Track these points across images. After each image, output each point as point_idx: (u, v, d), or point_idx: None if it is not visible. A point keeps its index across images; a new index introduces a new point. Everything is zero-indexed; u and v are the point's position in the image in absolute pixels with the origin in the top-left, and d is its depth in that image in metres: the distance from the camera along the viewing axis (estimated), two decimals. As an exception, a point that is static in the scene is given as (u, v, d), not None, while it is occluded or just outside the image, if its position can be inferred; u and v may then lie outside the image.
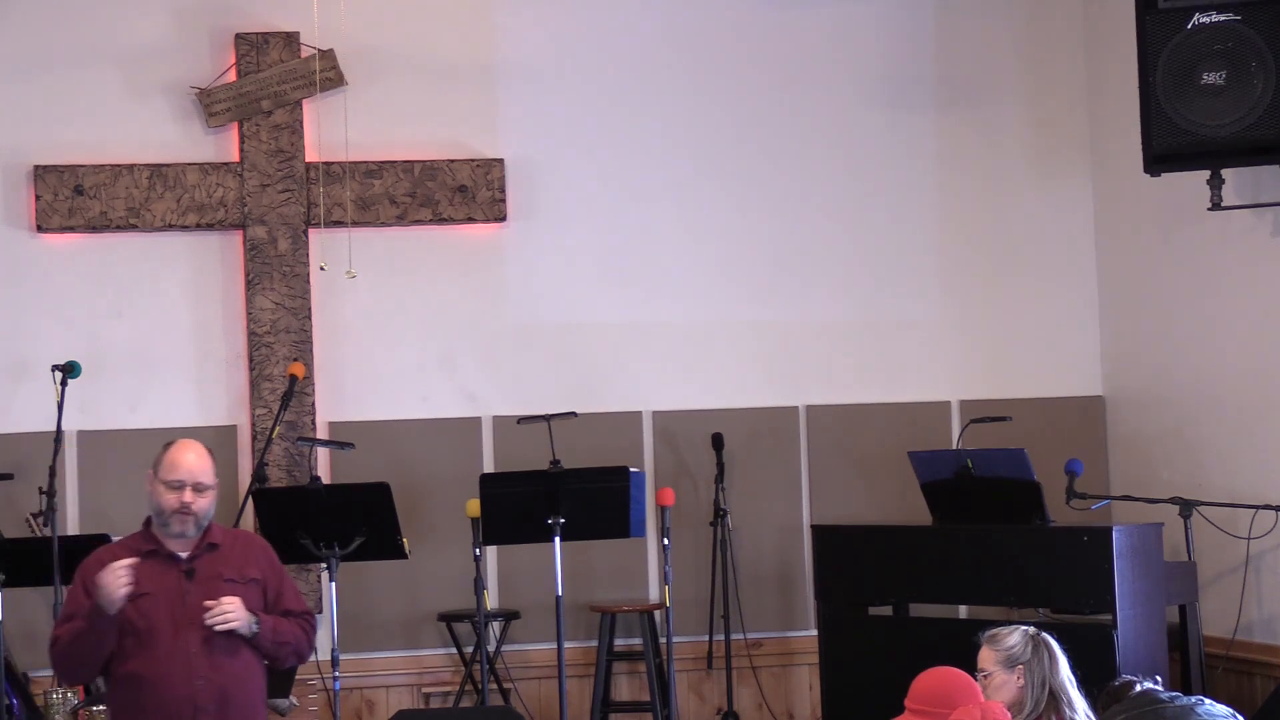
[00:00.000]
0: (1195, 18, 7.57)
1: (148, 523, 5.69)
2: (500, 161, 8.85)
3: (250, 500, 8.02)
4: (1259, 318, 8.06)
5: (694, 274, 9.06)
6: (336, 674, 7.48)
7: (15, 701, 7.60)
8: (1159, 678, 5.53)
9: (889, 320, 9.19)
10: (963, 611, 8.48)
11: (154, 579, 5.53)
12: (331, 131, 8.64)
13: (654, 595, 8.84)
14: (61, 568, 7.33)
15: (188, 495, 5.55)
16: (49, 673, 7.74)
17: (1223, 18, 7.53)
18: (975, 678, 5.12)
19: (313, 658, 5.80)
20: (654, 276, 9.03)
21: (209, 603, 5.51)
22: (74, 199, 8.50)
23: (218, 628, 5.49)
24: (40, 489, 7.80)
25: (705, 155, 9.09)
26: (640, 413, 8.96)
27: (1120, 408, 9.15)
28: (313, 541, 7.47)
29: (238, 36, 8.66)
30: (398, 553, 7.81)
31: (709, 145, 9.09)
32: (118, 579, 5.37)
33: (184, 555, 5.61)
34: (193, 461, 5.58)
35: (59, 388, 7.76)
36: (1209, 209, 7.78)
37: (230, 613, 5.50)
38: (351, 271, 8.28)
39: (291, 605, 5.74)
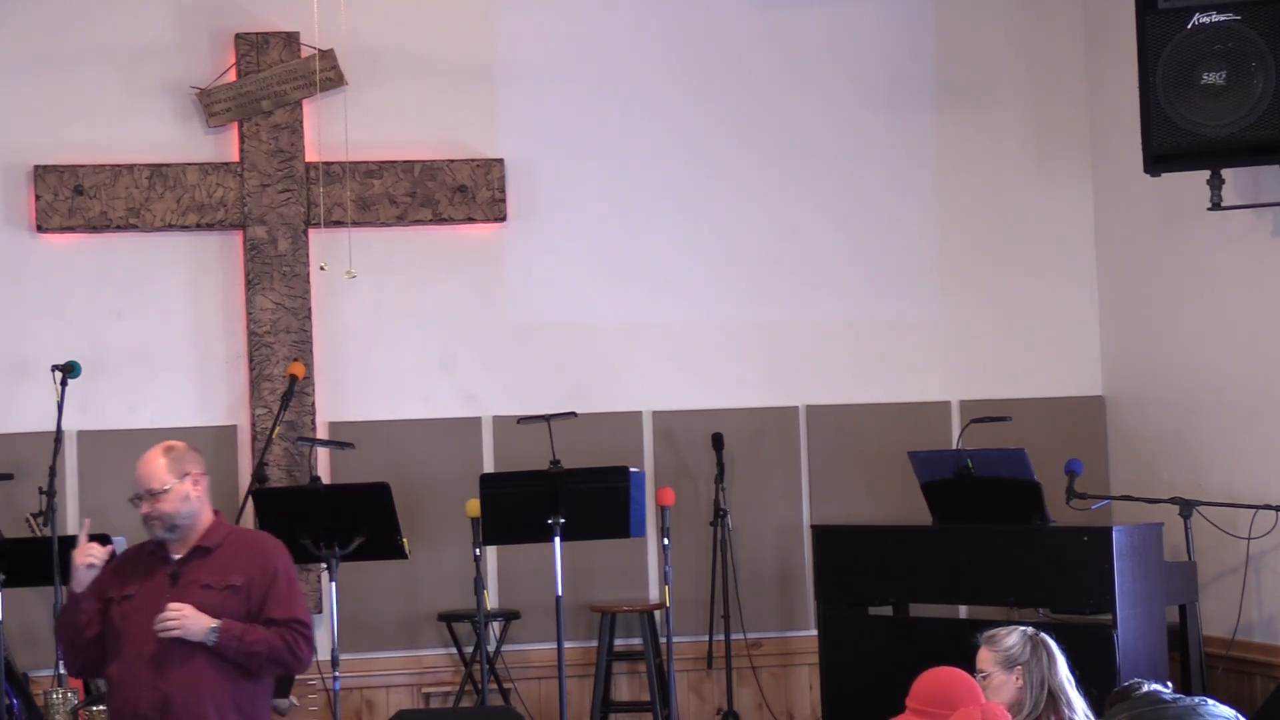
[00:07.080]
0: (1195, 18, 7.57)
1: None
2: (500, 161, 8.85)
3: (250, 500, 8.02)
4: (1259, 318, 8.05)
5: (694, 274, 9.05)
6: (336, 674, 7.49)
7: (15, 701, 7.60)
8: (1169, 684, 5.53)
9: (889, 320, 9.19)
10: (963, 611, 8.48)
11: (142, 581, 5.57)
12: (331, 131, 8.64)
13: (654, 595, 8.83)
14: (61, 568, 7.33)
15: (144, 507, 5.58)
16: (49, 673, 7.79)
17: (1223, 18, 7.53)
18: (974, 678, 5.12)
19: (313, 658, 5.73)
20: (654, 276, 9.03)
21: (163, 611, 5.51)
22: (74, 199, 8.50)
23: (160, 635, 5.45)
24: (40, 489, 7.80)
25: (705, 155, 9.08)
26: (640, 413, 8.96)
27: (1120, 408, 9.14)
28: (313, 541, 7.47)
29: (238, 36, 8.65)
30: (398, 553, 7.81)
31: (709, 145, 9.08)
32: (81, 554, 5.54)
33: (177, 558, 5.61)
34: (140, 471, 5.60)
35: (59, 388, 7.76)
36: (1209, 209, 7.78)
37: (172, 621, 5.44)
38: (351, 271, 8.27)
39: (274, 613, 5.55)
